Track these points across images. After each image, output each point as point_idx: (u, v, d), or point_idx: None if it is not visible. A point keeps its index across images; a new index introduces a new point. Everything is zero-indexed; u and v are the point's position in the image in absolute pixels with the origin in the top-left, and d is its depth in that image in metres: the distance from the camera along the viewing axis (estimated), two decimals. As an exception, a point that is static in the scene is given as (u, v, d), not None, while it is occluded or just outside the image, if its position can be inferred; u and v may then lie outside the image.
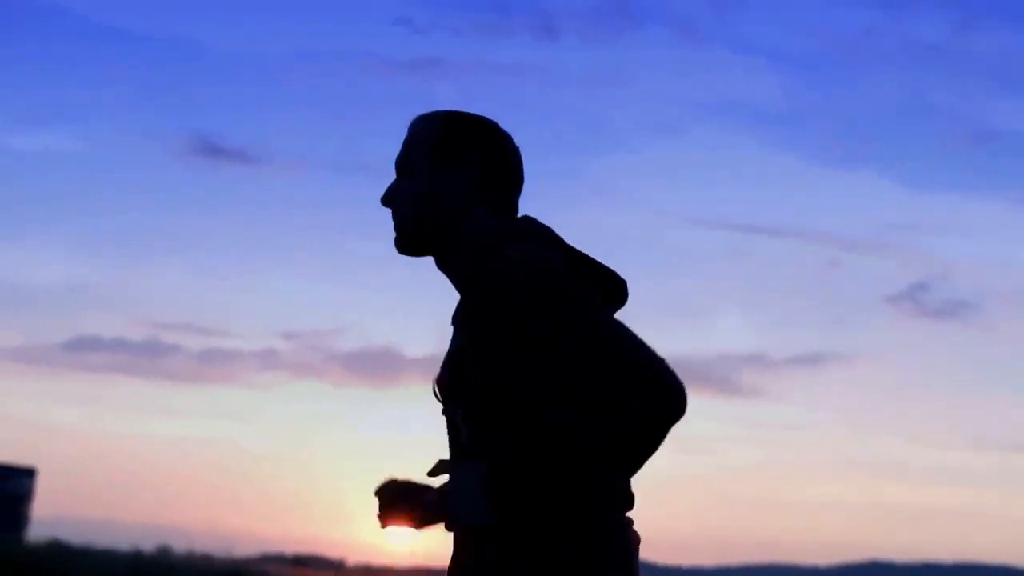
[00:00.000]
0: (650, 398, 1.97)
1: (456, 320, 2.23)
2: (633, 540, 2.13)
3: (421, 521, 2.22)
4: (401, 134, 2.34)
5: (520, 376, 2.08)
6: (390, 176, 2.32)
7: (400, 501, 2.24)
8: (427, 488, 2.25)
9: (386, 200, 2.30)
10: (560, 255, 2.14)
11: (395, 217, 2.29)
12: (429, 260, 2.29)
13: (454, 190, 2.24)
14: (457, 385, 2.15)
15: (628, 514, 2.14)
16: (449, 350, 2.22)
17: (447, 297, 2.33)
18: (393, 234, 2.29)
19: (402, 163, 2.30)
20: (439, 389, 2.21)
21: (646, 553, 2.15)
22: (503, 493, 2.04)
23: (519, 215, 2.28)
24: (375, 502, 2.27)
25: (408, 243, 2.28)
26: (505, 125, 2.33)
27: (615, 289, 2.21)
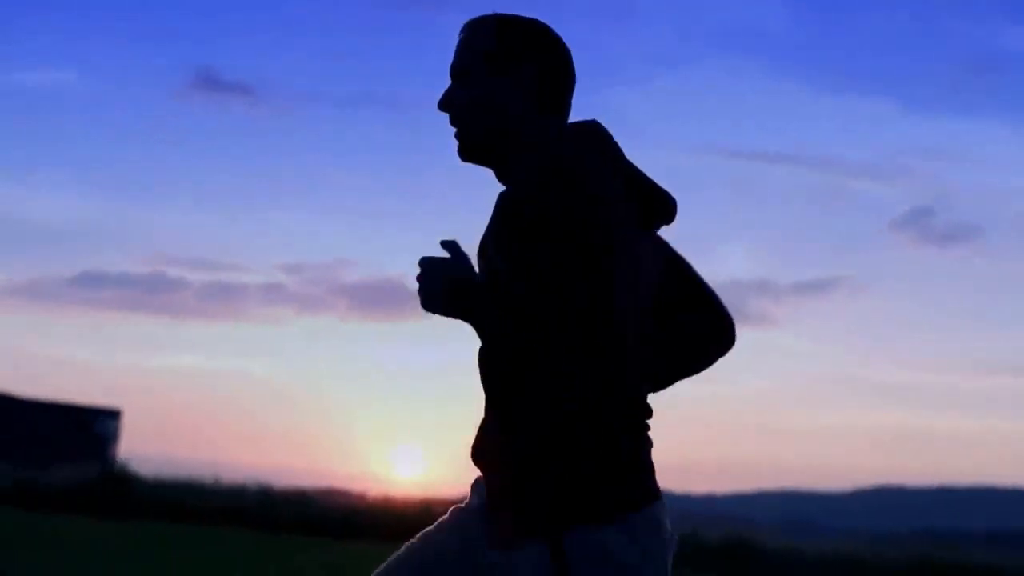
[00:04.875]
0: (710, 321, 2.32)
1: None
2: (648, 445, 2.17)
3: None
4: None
5: (535, 270, 2.06)
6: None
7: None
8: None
9: (444, 105, 2.30)
10: (604, 160, 2.16)
11: (456, 124, 2.29)
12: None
13: (513, 96, 2.25)
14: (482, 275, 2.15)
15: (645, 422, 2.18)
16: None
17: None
18: (455, 141, 2.29)
19: (458, 69, 2.30)
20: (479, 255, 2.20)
21: (659, 481, 2.15)
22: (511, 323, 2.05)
23: (587, 119, 2.27)
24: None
25: (472, 150, 2.28)
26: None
27: (662, 207, 2.24)
